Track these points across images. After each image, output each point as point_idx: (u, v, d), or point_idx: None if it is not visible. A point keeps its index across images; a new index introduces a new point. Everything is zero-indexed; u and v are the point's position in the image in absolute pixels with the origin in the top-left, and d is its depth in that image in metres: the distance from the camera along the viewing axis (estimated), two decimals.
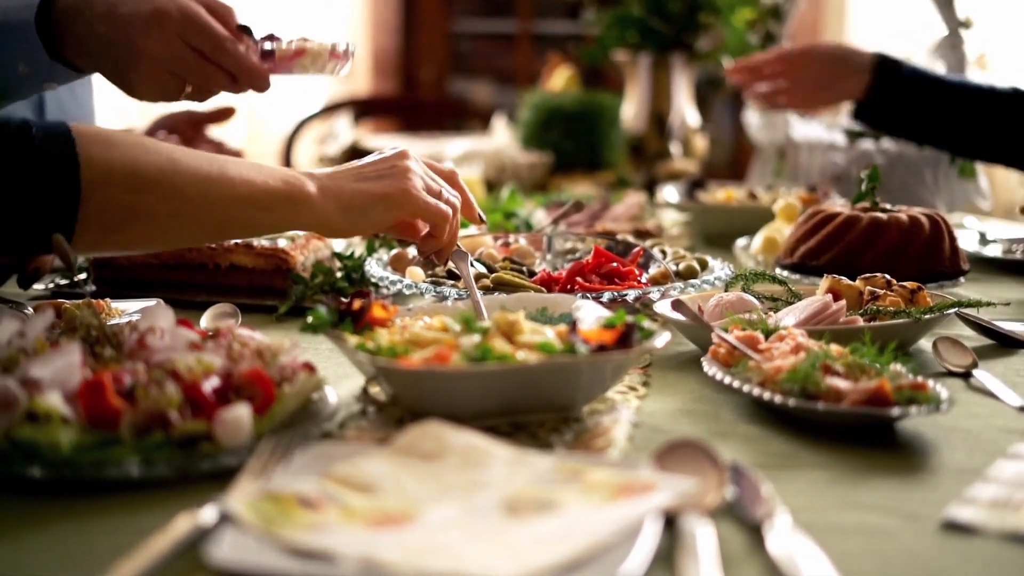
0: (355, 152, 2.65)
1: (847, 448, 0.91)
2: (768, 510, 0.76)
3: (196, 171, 1.05)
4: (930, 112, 1.94)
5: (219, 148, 1.91)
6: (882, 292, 1.22)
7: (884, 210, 1.53)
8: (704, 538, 0.71)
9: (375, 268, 1.39)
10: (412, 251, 1.48)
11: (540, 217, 1.99)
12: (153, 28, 1.12)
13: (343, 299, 1.02)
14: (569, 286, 1.31)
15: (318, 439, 0.89)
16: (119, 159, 1.02)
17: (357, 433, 0.94)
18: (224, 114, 1.93)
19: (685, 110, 2.76)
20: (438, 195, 1.18)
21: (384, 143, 2.83)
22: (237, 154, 1.21)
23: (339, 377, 1.08)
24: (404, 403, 0.96)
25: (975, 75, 2.26)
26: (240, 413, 0.84)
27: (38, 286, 1.44)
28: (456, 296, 1.25)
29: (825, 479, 0.85)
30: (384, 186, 1.14)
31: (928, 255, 1.48)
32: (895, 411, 0.91)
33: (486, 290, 1.29)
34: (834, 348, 1.00)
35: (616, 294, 1.26)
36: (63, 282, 1.48)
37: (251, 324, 1.18)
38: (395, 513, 0.74)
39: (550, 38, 5.49)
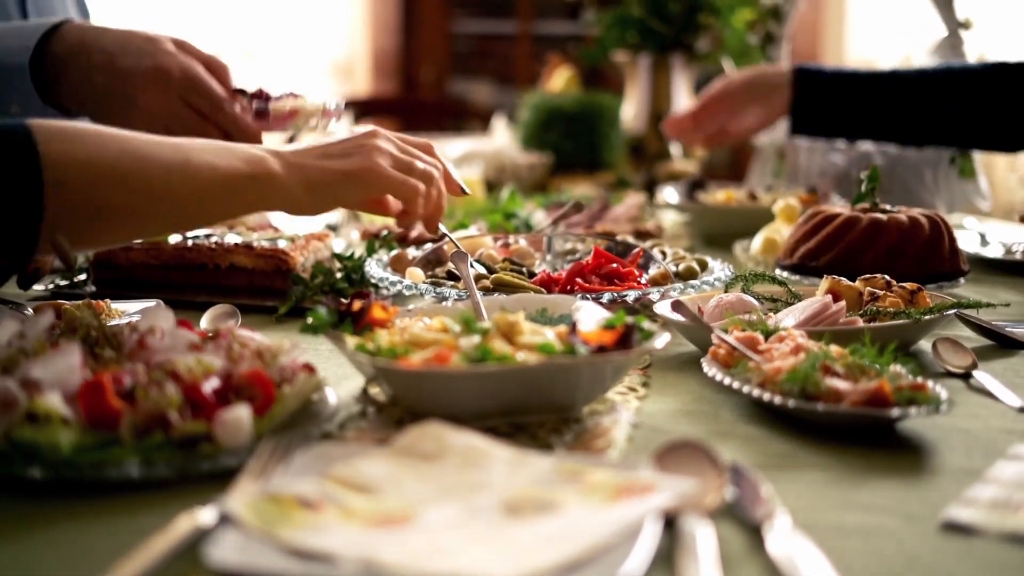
0: None
1: (847, 449, 0.91)
2: (768, 511, 0.76)
3: (159, 161, 1.03)
4: (859, 106, 1.99)
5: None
6: (882, 293, 1.22)
7: (884, 211, 1.53)
8: (704, 539, 0.71)
9: (375, 269, 1.39)
10: (412, 252, 1.48)
11: (540, 218, 1.99)
12: (153, 85, 1.12)
13: (343, 300, 1.02)
14: (569, 287, 1.31)
15: (318, 440, 0.89)
16: (82, 155, 1.00)
17: (357, 434, 0.94)
18: None
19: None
20: (409, 169, 1.16)
21: None
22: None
23: (339, 378, 1.08)
24: (404, 404, 0.96)
25: None
26: (240, 414, 0.84)
27: (38, 287, 1.44)
28: (456, 297, 1.25)
29: (825, 480, 0.85)
30: (350, 164, 1.12)
31: (928, 256, 1.48)
32: (895, 412, 0.91)
33: (486, 291, 1.29)
34: (834, 349, 1.00)
35: (616, 295, 1.26)
36: (63, 283, 1.48)
37: (251, 325, 1.18)
38: (395, 514, 0.74)
39: (550, 38, 5.49)
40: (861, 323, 1.16)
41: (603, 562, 0.68)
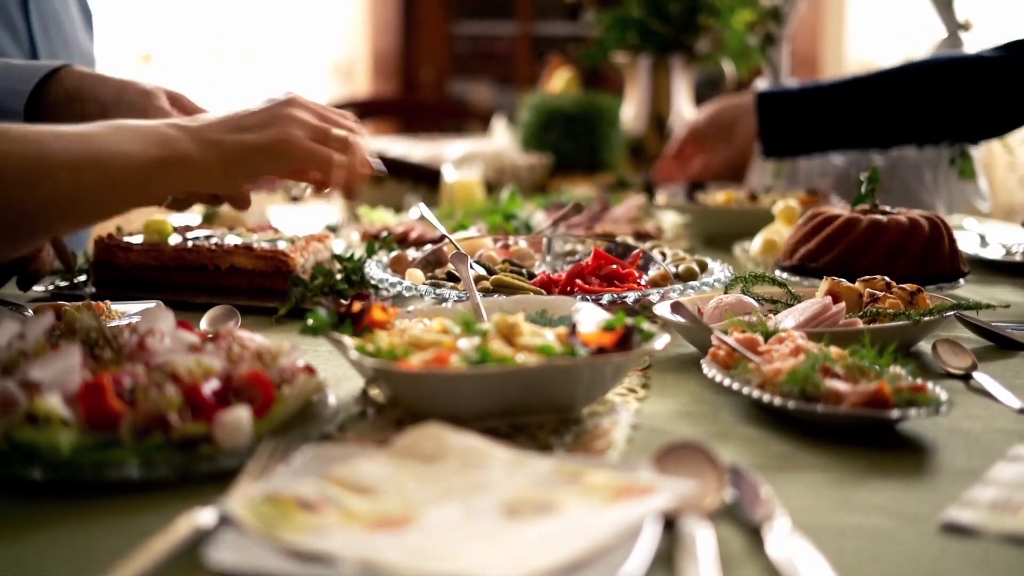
0: None
1: (847, 450, 0.91)
2: (767, 512, 0.76)
3: (68, 156, 1.01)
4: (823, 119, 2.04)
5: None
6: (882, 294, 1.23)
7: (883, 212, 1.53)
8: (703, 540, 0.71)
9: (375, 270, 1.39)
10: (412, 253, 1.48)
11: (540, 219, 1.99)
12: None
13: (343, 301, 1.02)
14: (569, 288, 1.31)
15: (318, 441, 0.89)
16: None
17: (357, 435, 0.94)
18: None
19: (685, 112, 2.76)
20: (325, 138, 1.13)
21: (384, 145, 2.83)
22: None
23: (339, 379, 1.08)
24: (404, 405, 0.96)
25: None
26: (240, 415, 0.84)
27: (38, 288, 1.45)
28: (456, 298, 1.25)
29: (824, 481, 0.85)
30: (266, 136, 1.09)
31: (927, 257, 1.48)
32: (895, 413, 0.91)
33: (486, 292, 1.29)
34: (834, 350, 1.00)
35: (616, 296, 1.26)
36: (63, 284, 1.48)
37: (251, 326, 1.18)
38: (395, 515, 0.74)
39: (550, 39, 5.49)
40: (861, 324, 1.16)
41: (603, 563, 0.68)
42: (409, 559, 0.68)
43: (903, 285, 1.24)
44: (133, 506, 0.78)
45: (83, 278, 1.50)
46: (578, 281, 1.32)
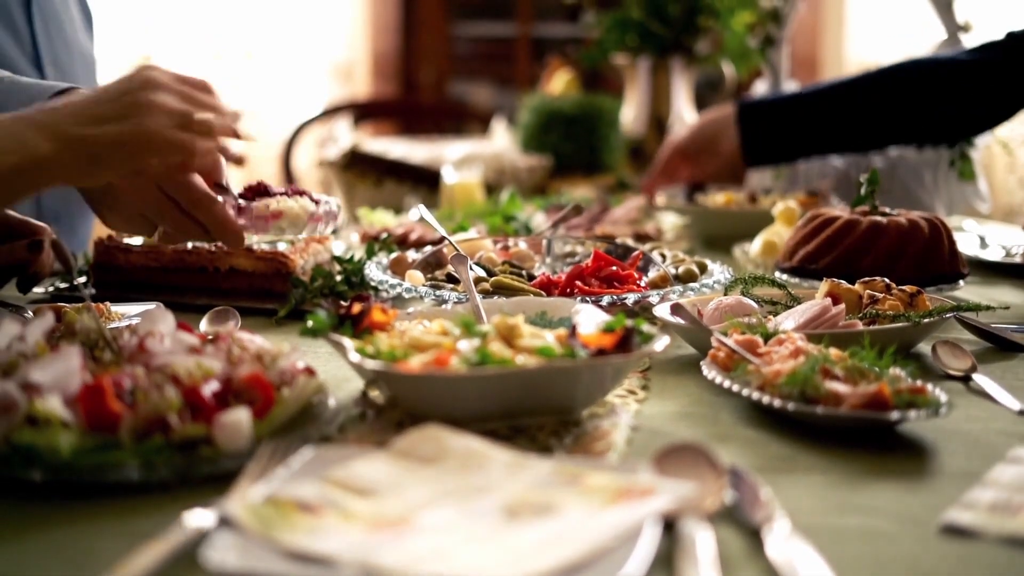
0: (355, 156, 2.65)
1: (846, 452, 0.91)
2: (767, 514, 0.76)
3: None
4: (804, 126, 2.03)
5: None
6: (881, 296, 1.23)
7: (883, 213, 1.53)
8: (703, 542, 0.71)
9: (375, 272, 1.39)
10: (412, 255, 1.48)
11: (539, 220, 2.00)
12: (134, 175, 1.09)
13: (343, 303, 1.02)
14: (568, 290, 1.31)
15: (317, 443, 0.89)
16: None
17: (356, 437, 0.94)
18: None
19: (684, 113, 2.77)
20: (187, 124, 1.05)
21: (384, 146, 2.83)
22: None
23: (339, 380, 1.08)
24: (403, 407, 0.96)
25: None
26: (239, 417, 0.84)
27: (38, 289, 1.44)
28: (455, 300, 1.25)
29: (824, 483, 0.85)
30: (124, 129, 1.02)
31: (927, 258, 1.48)
32: (894, 415, 0.91)
33: (485, 294, 1.29)
34: (833, 352, 1.00)
35: (615, 298, 1.26)
36: (63, 285, 1.48)
37: (251, 328, 1.18)
38: (394, 517, 0.74)
39: (550, 41, 5.49)
40: (861, 326, 1.16)
41: (602, 565, 0.68)
42: (408, 561, 0.68)
43: (903, 287, 1.25)
44: (133, 508, 0.78)
45: (83, 280, 1.50)
46: (578, 283, 1.32)
